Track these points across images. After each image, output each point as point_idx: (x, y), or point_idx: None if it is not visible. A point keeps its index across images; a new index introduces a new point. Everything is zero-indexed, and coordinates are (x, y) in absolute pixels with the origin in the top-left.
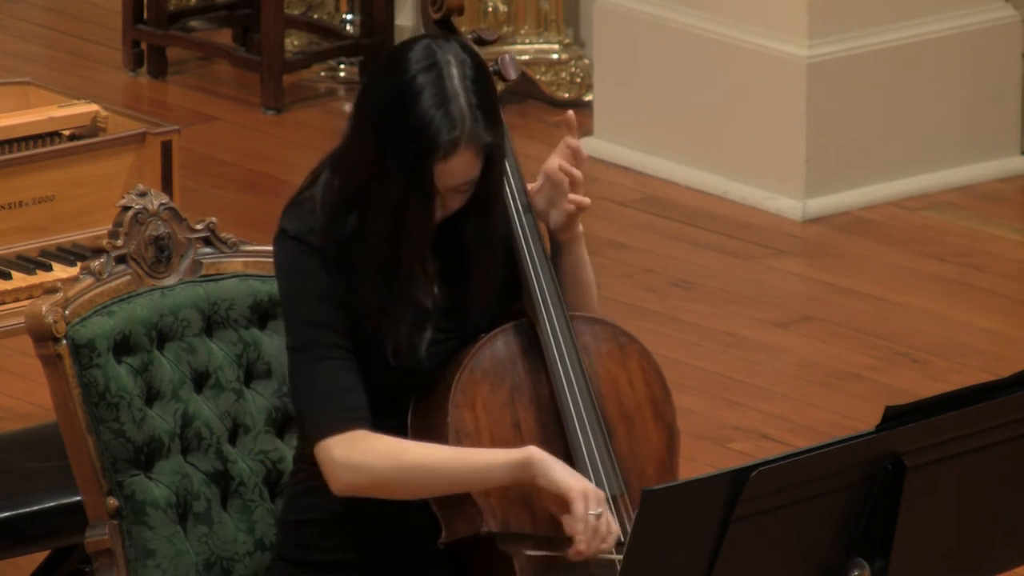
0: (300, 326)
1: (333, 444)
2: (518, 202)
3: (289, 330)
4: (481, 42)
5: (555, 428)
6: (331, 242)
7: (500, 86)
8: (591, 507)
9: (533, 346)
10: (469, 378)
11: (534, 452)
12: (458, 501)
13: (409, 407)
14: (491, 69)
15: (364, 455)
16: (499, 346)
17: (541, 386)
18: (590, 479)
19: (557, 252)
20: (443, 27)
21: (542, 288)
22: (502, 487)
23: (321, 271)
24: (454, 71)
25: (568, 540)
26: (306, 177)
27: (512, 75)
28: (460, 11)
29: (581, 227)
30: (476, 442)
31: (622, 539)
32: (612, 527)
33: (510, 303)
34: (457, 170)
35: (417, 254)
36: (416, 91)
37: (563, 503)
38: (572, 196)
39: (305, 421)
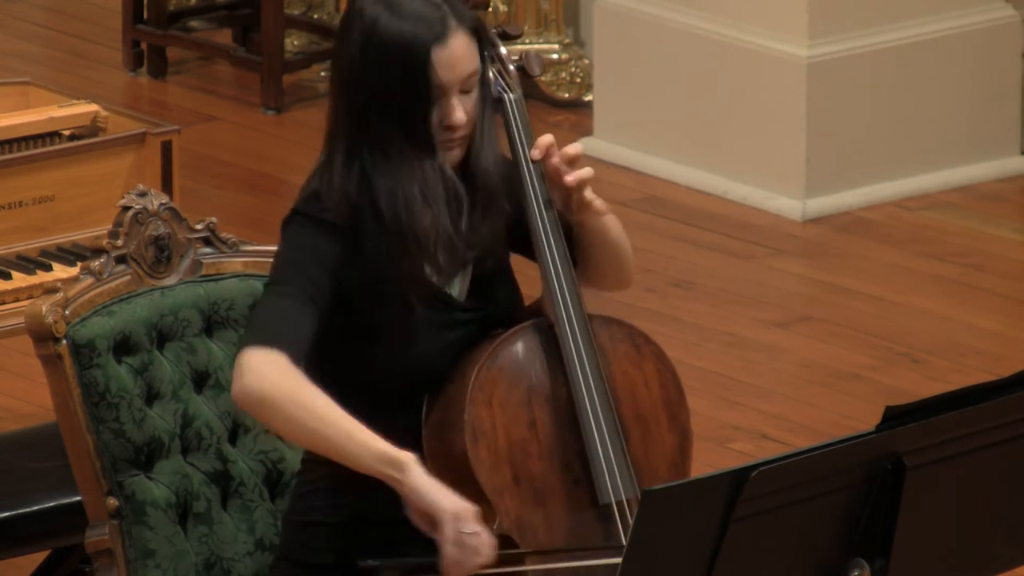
0: (283, 266)
1: (253, 351)
2: (540, 198)
3: (272, 271)
4: (505, 36)
5: (571, 429)
6: (345, 211)
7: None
8: (464, 527)
9: (551, 346)
10: (487, 375)
11: (411, 462)
12: (472, 500)
13: (423, 403)
14: (516, 64)
15: (273, 370)
16: (517, 345)
17: (558, 386)
18: (605, 481)
19: (577, 235)
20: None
21: (561, 287)
22: (515, 487)
23: (326, 240)
24: None
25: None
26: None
27: (536, 71)
28: (486, 6)
29: (598, 201)
30: (492, 440)
31: (623, 541)
32: (488, 540)
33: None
34: (459, 52)
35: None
36: (375, 18)
37: (428, 518)
38: (568, 176)
39: (244, 333)
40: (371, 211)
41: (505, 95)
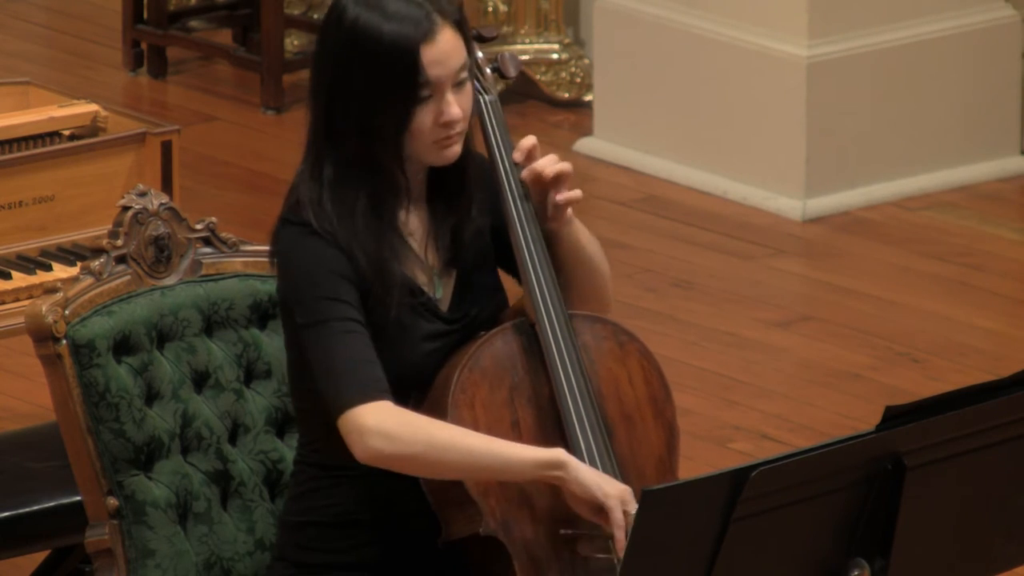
0: (314, 301)
1: (364, 412)
2: (518, 203)
3: (302, 308)
4: (481, 39)
5: (554, 428)
6: (325, 219)
7: (500, 84)
8: (630, 508)
9: (533, 345)
10: (468, 377)
11: (565, 455)
12: (458, 501)
13: (409, 405)
14: (491, 67)
15: (399, 425)
16: (498, 345)
17: (541, 385)
18: None
19: (552, 242)
20: None
21: (541, 287)
22: (500, 486)
23: (328, 249)
24: None
25: (570, 540)
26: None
27: (511, 72)
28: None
29: (570, 211)
30: None
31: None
32: None
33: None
34: (447, 47)
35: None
36: (357, 19)
37: (594, 506)
38: (560, 196)
39: (328, 394)
40: (350, 223)
41: (481, 97)
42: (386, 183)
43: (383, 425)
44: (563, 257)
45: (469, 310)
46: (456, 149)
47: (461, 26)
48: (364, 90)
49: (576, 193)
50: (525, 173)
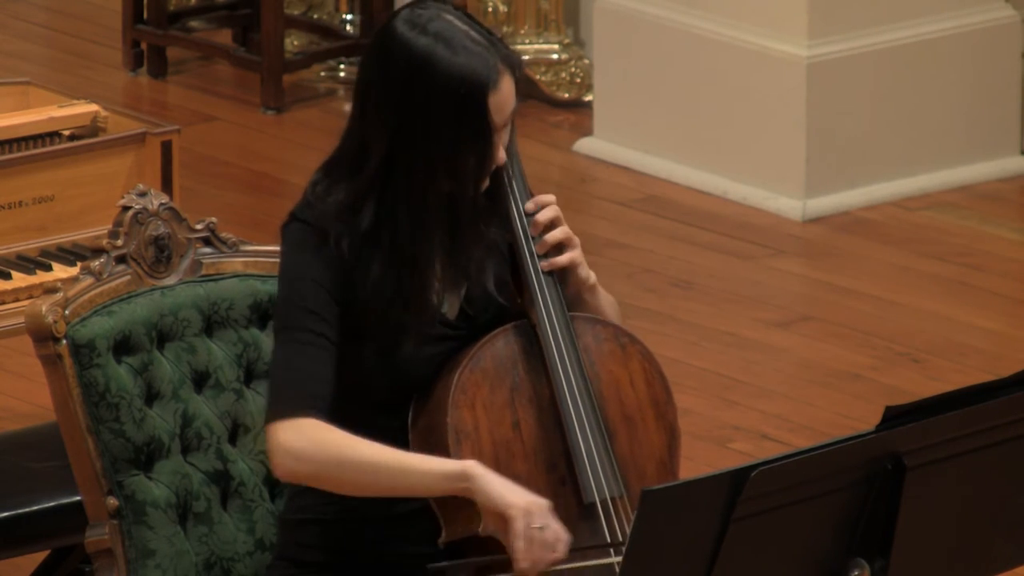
0: (290, 307)
1: (281, 428)
2: (519, 204)
3: (279, 310)
4: None
5: (555, 429)
6: (342, 234)
7: None
8: (535, 521)
9: (533, 346)
10: (469, 378)
11: (473, 467)
12: (458, 502)
13: (410, 407)
14: None
15: (308, 444)
16: (499, 346)
17: (541, 387)
18: (589, 480)
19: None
20: None
21: (542, 288)
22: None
23: (324, 258)
24: (447, 16)
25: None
26: (304, 191)
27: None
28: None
29: (592, 277)
30: (475, 442)
31: (621, 539)
32: (560, 535)
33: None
34: (507, 96)
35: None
36: (429, 52)
37: (503, 520)
38: (545, 263)
39: (266, 402)
40: (387, 243)
41: None
42: (458, 220)
43: (294, 444)
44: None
45: (475, 318)
46: (486, 183)
47: (515, 72)
48: (441, 130)
49: (564, 260)
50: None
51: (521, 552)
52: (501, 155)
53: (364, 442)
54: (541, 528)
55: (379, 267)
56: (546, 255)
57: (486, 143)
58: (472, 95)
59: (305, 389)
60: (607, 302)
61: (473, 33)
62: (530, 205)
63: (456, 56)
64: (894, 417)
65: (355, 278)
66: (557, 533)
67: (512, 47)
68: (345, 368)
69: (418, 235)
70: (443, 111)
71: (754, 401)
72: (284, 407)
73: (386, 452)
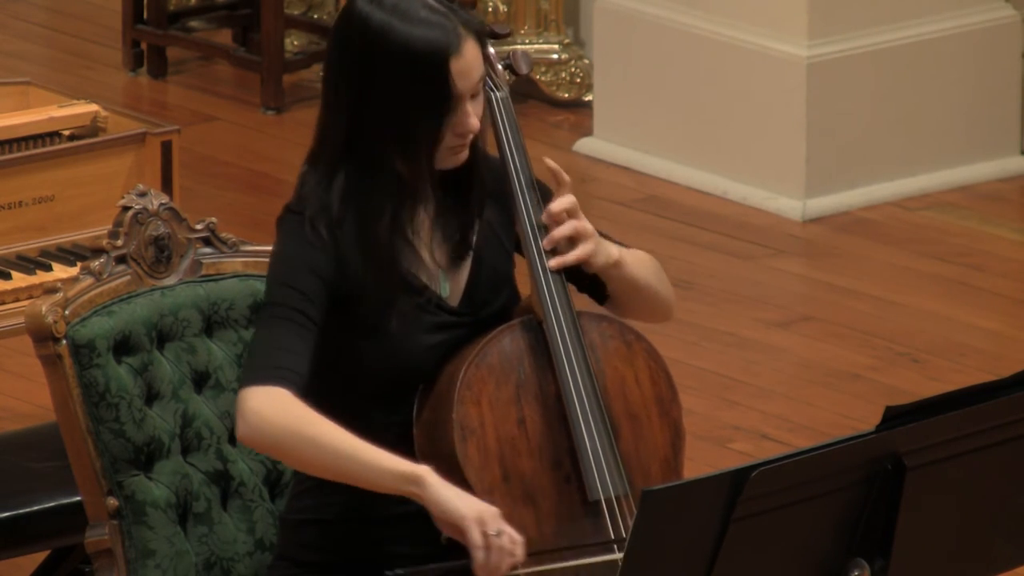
0: (275, 285)
1: (252, 393)
2: (527, 197)
3: (266, 289)
4: (494, 36)
5: (560, 426)
6: (318, 216)
7: (510, 80)
8: (489, 528)
9: (539, 343)
10: (475, 374)
11: (427, 474)
12: None
13: (413, 401)
14: (504, 63)
15: (273, 412)
16: (505, 342)
17: (547, 383)
18: (595, 478)
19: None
20: None
21: (548, 285)
22: (503, 485)
23: (315, 244)
24: None
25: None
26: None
27: (524, 69)
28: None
29: (613, 255)
30: (480, 438)
31: (624, 536)
32: (515, 538)
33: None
34: (472, 60)
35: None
36: (386, 25)
37: (457, 528)
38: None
39: (243, 368)
40: (355, 226)
41: (493, 94)
42: (411, 192)
43: (261, 408)
44: (616, 294)
45: (479, 304)
46: (465, 154)
47: (481, 38)
48: (395, 100)
49: (572, 259)
50: (544, 217)
51: (481, 561)
52: (474, 123)
53: (328, 423)
54: (497, 534)
55: (351, 245)
56: (554, 251)
57: (449, 111)
58: (432, 63)
59: (280, 361)
60: (639, 265)
61: (431, 2)
62: (544, 217)
63: (413, 28)
64: (894, 417)
65: (338, 259)
66: (512, 536)
67: (510, 47)
68: (344, 359)
69: (375, 210)
70: (401, 82)
71: (754, 401)
72: (257, 374)
73: (347, 438)
